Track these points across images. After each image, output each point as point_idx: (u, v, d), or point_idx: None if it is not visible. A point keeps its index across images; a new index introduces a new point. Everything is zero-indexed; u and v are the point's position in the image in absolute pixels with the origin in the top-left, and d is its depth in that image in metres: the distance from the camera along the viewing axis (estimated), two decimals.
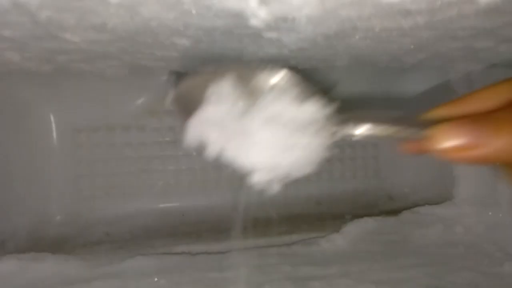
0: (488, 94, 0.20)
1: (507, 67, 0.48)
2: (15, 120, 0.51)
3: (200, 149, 0.23)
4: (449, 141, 0.18)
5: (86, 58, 0.37)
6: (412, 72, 0.58)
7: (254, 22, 0.23)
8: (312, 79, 0.23)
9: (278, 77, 0.23)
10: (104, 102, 0.55)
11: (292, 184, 0.67)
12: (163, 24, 0.25)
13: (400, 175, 0.67)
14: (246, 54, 0.36)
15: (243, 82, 0.23)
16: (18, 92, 0.51)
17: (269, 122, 0.21)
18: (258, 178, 0.23)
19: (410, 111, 0.20)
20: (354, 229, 0.50)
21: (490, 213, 0.53)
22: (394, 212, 0.55)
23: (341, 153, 0.65)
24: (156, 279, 0.41)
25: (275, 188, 0.23)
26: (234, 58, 0.37)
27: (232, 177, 0.62)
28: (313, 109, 0.21)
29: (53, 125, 0.54)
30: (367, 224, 0.52)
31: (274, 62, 0.38)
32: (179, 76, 0.26)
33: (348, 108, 0.22)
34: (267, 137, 0.21)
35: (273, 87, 0.22)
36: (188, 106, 0.23)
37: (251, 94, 0.22)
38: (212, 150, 0.23)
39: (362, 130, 0.21)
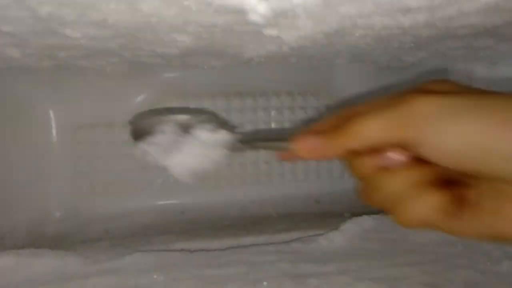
0: (328, 119, 0.28)
1: (508, 66, 0.48)
2: (15, 116, 0.51)
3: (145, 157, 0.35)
4: (297, 148, 0.27)
5: (86, 54, 0.38)
6: (412, 71, 0.58)
7: (254, 17, 0.23)
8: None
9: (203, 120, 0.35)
10: (104, 99, 0.55)
11: (292, 182, 0.67)
12: (163, 20, 0.25)
13: None
14: (246, 51, 0.36)
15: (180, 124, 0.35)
16: (18, 89, 0.51)
17: (190, 143, 0.34)
18: (178, 174, 0.34)
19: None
20: (353, 227, 0.50)
21: None
22: None
23: None
24: (155, 276, 0.41)
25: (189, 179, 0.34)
26: (233, 55, 0.37)
27: (231, 175, 0.62)
28: (219, 136, 0.34)
29: (53, 122, 0.54)
30: (365, 222, 0.52)
31: (274, 60, 0.38)
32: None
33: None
34: (187, 151, 0.34)
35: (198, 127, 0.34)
36: (140, 135, 0.37)
37: (184, 129, 0.35)
38: (152, 158, 0.35)
39: (250, 146, 0.33)
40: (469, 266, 0.44)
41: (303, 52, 0.36)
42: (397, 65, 0.51)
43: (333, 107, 0.64)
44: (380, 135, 0.23)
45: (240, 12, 0.23)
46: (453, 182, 0.24)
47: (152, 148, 0.34)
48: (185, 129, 0.34)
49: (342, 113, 0.26)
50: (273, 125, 0.62)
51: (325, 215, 0.60)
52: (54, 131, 0.54)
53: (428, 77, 0.59)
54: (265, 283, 0.40)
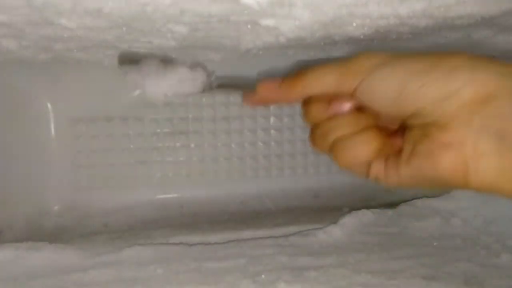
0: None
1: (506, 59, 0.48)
2: (13, 110, 0.51)
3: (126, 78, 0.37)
4: (260, 89, 0.30)
5: (83, 46, 0.37)
6: None
7: (249, 1, 0.23)
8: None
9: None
10: (102, 92, 0.55)
11: (291, 176, 0.67)
12: (159, 9, 0.25)
13: None
14: (243, 42, 0.36)
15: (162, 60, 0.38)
16: (15, 81, 0.51)
17: (169, 74, 0.37)
18: (152, 96, 0.37)
19: None
20: (352, 221, 0.50)
21: (488, 206, 0.53)
22: (392, 205, 0.56)
23: None
24: (154, 269, 0.41)
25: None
26: (231, 47, 0.37)
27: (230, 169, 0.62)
28: (196, 74, 0.37)
29: (51, 115, 0.54)
30: (364, 216, 0.52)
31: (271, 51, 0.38)
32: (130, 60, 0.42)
33: None
34: (164, 80, 0.37)
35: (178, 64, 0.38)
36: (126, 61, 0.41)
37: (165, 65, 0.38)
38: (132, 80, 0.37)
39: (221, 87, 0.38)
40: (468, 259, 0.44)
41: (300, 44, 0.36)
42: None
43: None
44: (330, 82, 0.26)
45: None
46: (391, 133, 0.27)
47: (134, 72, 0.37)
48: (167, 64, 0.37)
49: (303, 69, 0.29)
50: (272, 120, 0.62)
51: (324, 209, 0.60)
52: (52, 125, 0.54)
53: None
54: (263, 276, 0.40)
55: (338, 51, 0.42)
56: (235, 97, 0.61)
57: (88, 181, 0.57)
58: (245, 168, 0.62)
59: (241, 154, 0.62)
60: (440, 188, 0.23)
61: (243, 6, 0.25)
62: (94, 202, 0.57)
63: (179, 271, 0.41)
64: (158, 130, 0.58)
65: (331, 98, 0.28)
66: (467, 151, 0.22)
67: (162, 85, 0.36)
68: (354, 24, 0.29)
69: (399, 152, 0.26)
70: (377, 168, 0.27)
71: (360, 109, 0.27)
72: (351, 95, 0.26)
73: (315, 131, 0.29)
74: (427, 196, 0.57)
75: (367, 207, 0.54)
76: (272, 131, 0.63)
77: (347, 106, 0.27)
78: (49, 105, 0.54)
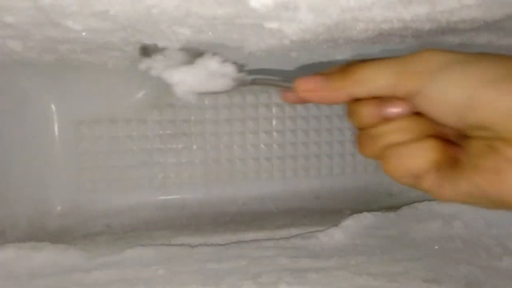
0: (337, 66, 0.27)
1: None
2: (17, 111, 0.51)
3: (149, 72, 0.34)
4: (300, 87, 0.27)
5: (88, 48, 0.38)
6: None
7: (254, 4, 0.23)
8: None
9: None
10: (106, 94, 0.55)
11: (292, 178, 0.67)
12: (164, 11, 0.26)
13: None
14: (247, 45, 0.36)
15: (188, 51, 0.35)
16: (20, 82, 0.51)
17: (197, 68, 0.33)
18: (180, 92, 0.33)
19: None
20: (353, 224, 0.50)
21: (489, 209, 0.53)
22: (394, 208, 0.56)
23: (342, 148, 0.66)
24: (156, 269, 0.42)
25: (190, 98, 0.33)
26: (234, 49, 0.38)
27: (232, 170, 0.62)
28: (226, 68, 0.33)
29: (55, 116, 0.54)
30: (366, 219, 0.52)
31: (275, 54, 0.38)
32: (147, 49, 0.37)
33: None
34: (192, 74, 0.33)
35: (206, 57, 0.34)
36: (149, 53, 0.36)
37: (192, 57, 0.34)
38: (156, 73, 0.33)
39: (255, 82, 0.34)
40: (469, 261, 0.44)
41: (303, 46, 0.36)
42: None
43: None
44: (385, 83, 0.23)
45: (242, 1, 0.23)
46: (448, 142, 0.24)
47: (158, 65, 0.33)
48: (194, 57, 0.34)
49: (350, 63, 0.26)
50: (274, 122, 0.63)
51: (325, 211, 0.60)
52: (56, 126, 0.55)
53: None
54: (264, 277, 0.40)
55: (341, 55, 0.42)
56: (237, 99, 0.61)
57: (91, 182, 0.57)
58: (247, 170, 0.63)
59: (243, 156, 0.62)
60: (500, 208, 0.22)
61: (248, 9, 0.25)
62: (97, 203, 0.57)
63: (180, 272, 0.41)
64: (161, 132, 0.58)
65: (383, 99, 0.25)
66: None
67: (189, 80, 0.32)
68: (358, 28, 0.29)
69: (455, 163, 0.23)
70: (430, 180, 0.24)
71: (415, 114, 0.24)
72: (408, 98, 0.23)
73: (363, 134, 0.26)
74: (428, 199, 0.57)
75: (369, 209, 0.54)
76: (274, 133, 0.63)
77: (404, 109, 0.24)
78: (52, 107, 0.54)
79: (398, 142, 0.24)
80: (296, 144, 0.64)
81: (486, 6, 0.26)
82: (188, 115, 0.59)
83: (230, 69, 0.33)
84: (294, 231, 0.50)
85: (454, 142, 0.24)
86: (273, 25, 0.28)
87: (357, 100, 0.25)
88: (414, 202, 0.56)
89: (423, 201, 0.57)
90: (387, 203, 0.63)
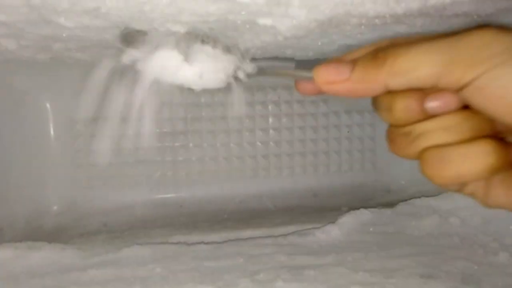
0: (363, 49, 0.25)
1: None
2: (12, 109, 0.51)
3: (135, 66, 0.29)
4: (320, 78, 0.23)
5: (82, 46, 0.38)
6: None
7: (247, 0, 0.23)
8: None
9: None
10: (101, 92, 0.55)
11: (290, 176, 0.67)
12: (156, 8, 0.25)
13: (397, 168, 0.67)
14: (242, 42, 0.36)
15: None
16: (14, 81, 0.51)
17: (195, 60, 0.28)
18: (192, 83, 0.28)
19: None
20: (350, 220, 0.51)
21: None
22: (391, 204, 0.56)
23: (339, 146, 0.66)
24: (152, 268, 0.42)
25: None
26: (229, 46, 0.37)
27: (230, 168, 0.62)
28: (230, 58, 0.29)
29: (50, 115, 0.54)
30: (363, 215, 0.52)
31: (270, 51, 0.38)
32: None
33: None
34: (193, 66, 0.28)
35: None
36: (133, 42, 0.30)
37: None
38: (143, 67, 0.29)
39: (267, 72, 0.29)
40: (466, 257, 0.44)
41: (298, 43, 0.36)
42: None
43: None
44: (431, 72, 0.19)
45: None
46: (505, 143, 0.20)
47: (146, 56, 0.28)
48: (188, 46, 0.28)
49: (384, 43, 0.22)
50: (270, 120, 0.63)
51: (322, 208, 0.60)
52: (51, 125, 0.55)
53: None
54: (262, 274, 0.40)
55: (337, 52, 0.42)
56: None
57: (87, 181, 0.57)
58: (244, 167, 0.63)
59: (240, 154, 0.62)
60: None
61: (240, 4, 0.25)
62: (94, 202, 0.57)
63: (178, 270, 0.41)
64: (157, 130, 0.58)
65: (425, 90, 0.21)
66: None
67: (183, 73, 0.27)
68: (351, 24, 0.29)
69: (510, 167, 0.20)
70: (481, 186, 0.21)
71: (466, 109, 0.20)
72: (457, 91, 0.19)
73: (398, 132, 0.22)
74: (425, 196, 0.57)
75: (366, 206, 0.54)
76: (271, 131, 0.63)
77: (451, 103, 0.20)
78: (48, 105, 0.54)
79: (445, 143, 0.20)
80: (292, 142, 0.64)
81: (478, 1, 0.26)
82: (185, 113, 0.59)
83: (233, 58, 0.29)
84: (291, 228, 0.51)
85: (509, 142, 0.21)
86: (266, 21, 0.28)
87: (391, 92, 0.21)
88: (411, 199, 0.57)
89: (420, 197, 0.57)
90: (384, 200, 0.63)
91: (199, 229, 0.51)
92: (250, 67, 0.29)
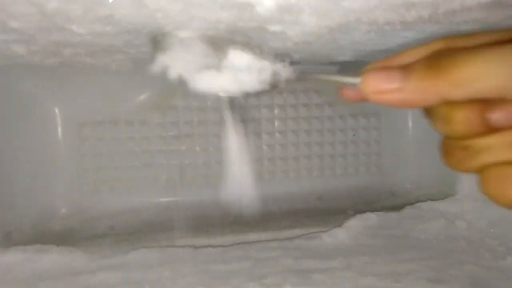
0: (414, 51, 0.23)
1: None
2: (20, 114, 0.51)
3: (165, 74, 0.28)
4: (369, 87, 0.21)
5: (91, 51, 0.38)
6: None
7: (259, 8, 0.23)
8: None
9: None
10: (108, 96, 0.55)
11: (295, 179, 0.67)
12: (168, 15, 0.26)
13: (403, 171, 0.67)
14: (251, 48, 0.36)
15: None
16: (23, 85, 0.51)
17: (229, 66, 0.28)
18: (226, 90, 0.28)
19: None
20: (356, 224, 0.51)
21: (493, 209, 0.53)
22: (397, 208, 0.56)
23: (344, 149, 0.66)
24: (160, 271, 0.42)
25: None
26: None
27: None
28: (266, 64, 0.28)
29: (58, 119, 0.55)
30: (369, 219, 0.52)
31: (278, 56, 0.38)
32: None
33: None
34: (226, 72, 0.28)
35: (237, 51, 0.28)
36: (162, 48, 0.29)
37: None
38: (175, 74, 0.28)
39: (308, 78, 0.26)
40: (474, 262, 0.44)
41: (306, 48, 0.36)
42: None
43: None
44: (497, 83, 0.17)
45: (246, 6, 0.23)
46: None
47: (177, 63, 0.27)
48: (217, 49, 0.27)
49: (438, 44, 0.21)
50: (276, 123, 0.63)
51: (328, 212, 0.60)
52: (59, 128, 0.55)
53: None
54: (269, 278, 0.40)
55: (344, 56, 0.42)
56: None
57: (94, 184, 0.57)
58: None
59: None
60: None
61: (252, 13, 0.25)
62: (101, 205, 0.57)
63: (185, 273, 0.42)
64: (164, 134, 0.59)
65: (488, 102, 0.19)
66: None
67: (214, 80, 0.27)
68: (361, 30, 0.29)
69: None
70: None
71: None
72: None
73: (455, 144, 0.20)
74: (430, 199, 0.57)
75: (372, 210, 0.54)
76: (277, 134, 0.63)
77: None
78: (56, 109, 0.55)
79: (510, 161, 0.19)
80: (298, 145, 0.64)
81: (488, 8, 0.26)
82: (191, 117, 0.59)
83: (267, 62, 0.27)
84: (297, 231, 0.51)
85: None
86: (276, 28, 0.29)
87: (450, 102, 0.19)
88: (416, 202, 0.57)
89: (426, 201, 0.57)
90: (389, 203, 0.63)
91: (206, 232, 0.51)
92: (289, 71, 0.27)
